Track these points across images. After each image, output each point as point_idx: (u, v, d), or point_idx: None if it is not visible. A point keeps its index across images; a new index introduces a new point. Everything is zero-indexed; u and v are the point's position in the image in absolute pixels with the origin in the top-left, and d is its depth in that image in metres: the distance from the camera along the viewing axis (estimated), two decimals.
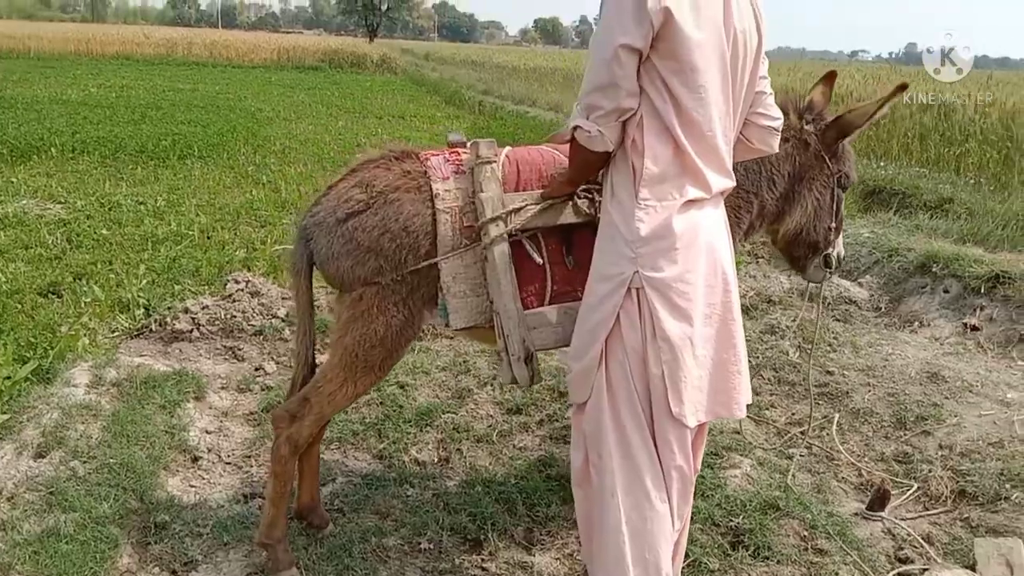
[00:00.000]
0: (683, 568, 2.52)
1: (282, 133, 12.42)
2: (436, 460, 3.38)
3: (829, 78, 2.90)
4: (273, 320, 4.44)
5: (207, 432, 3.53)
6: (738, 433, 3.52)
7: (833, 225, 2.85)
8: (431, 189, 2.37)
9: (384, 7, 65.83)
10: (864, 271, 5.77)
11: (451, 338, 4.42)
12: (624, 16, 1.82)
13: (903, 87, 2.72)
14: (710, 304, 2.03)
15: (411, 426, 3.55)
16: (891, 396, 3.77)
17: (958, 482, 3.13)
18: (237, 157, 9.91)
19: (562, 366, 3.80)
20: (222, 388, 3.93)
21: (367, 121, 15.17)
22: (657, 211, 1.96)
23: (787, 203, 2.84)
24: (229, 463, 3.31)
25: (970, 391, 3.77)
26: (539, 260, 2.41)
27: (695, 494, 2.42)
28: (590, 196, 2.40)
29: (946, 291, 5.06)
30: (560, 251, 2.46)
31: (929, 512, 3.04)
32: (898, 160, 9.25)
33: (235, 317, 4.40)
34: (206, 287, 5.04)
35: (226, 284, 4.59)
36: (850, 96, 14.05)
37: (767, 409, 3.85)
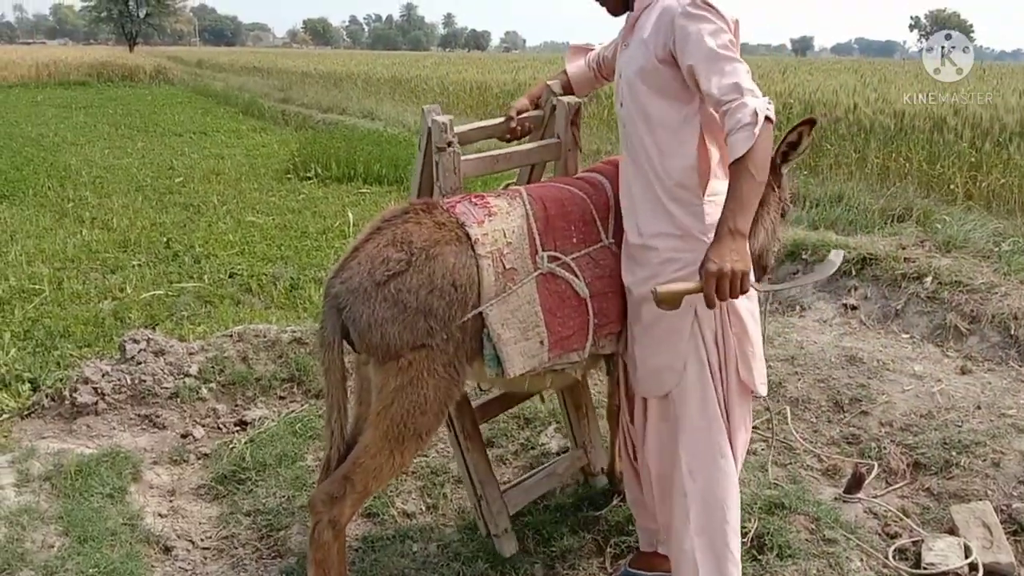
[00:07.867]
0: None
1: (81, 160, 11.34)
2: (425, 509, 3.27)
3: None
4: (187, 379, 4.05)
5: (161, 516, 3.20)
6: None
7: (775, 249, 3.01)
8: (469, 237, 2.30)
9: (142, 14, 61.25)
10: None
11: None
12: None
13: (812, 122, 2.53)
14: None
15: None
16: (821, 382, 4.07)
17: (910, 455, 3.45)
18: (45, 192, 8.94)
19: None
20: (154, 463, 3.56)
21: (168, 140, 14.16)
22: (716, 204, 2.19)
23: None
24: (207, 548, 3.02)
25: (887, 369, 4.15)
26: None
27: None
28: None
29: None
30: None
31: (893, 487, 3.32)
32: None
33: (144, 381, 3.98)
34: (87, 349, 4.55)
35: (124, 345, 4.14)
36: None
37: None
